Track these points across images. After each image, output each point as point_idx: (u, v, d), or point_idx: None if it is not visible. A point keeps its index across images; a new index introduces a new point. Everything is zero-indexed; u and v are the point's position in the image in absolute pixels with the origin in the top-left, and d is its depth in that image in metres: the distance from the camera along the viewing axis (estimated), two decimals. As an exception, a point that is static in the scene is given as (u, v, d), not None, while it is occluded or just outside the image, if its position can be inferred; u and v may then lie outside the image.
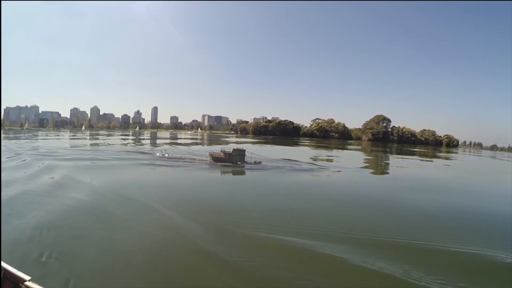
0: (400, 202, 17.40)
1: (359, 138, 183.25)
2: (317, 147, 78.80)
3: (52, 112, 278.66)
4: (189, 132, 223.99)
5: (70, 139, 72.88)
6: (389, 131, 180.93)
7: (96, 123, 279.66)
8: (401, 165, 44.05)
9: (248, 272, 7.59)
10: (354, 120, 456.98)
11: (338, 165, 36.92)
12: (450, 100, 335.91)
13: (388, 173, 35.35)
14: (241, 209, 13.89)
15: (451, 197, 19.90)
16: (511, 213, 16.10)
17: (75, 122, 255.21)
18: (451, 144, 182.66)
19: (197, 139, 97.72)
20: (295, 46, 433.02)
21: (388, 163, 47.60)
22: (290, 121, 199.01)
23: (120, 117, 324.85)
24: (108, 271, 7.48)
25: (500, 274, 8.48)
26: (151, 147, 52.51)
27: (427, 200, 18.10)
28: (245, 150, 30.68)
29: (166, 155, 34.28)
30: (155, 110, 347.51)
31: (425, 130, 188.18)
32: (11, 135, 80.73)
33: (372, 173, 33.10)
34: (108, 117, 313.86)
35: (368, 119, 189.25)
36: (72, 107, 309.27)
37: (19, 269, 2.74)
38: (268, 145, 71.36)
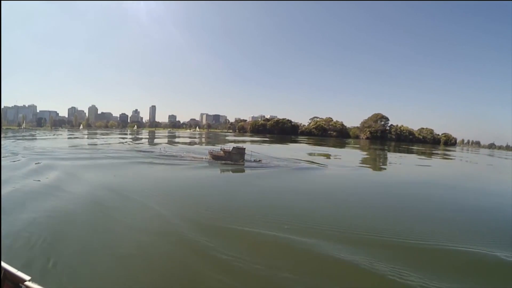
0: (398, 200, 17.52)
1: (357, 137, 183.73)
2: (316, 145, 78.80)
3: (50, 112, 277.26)
4: (188, 131, 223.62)
5: (68, 138, 72.49)
6: (387, 130, 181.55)
7: (94, 122, 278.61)
8: (399, 162, 44.23)
9: (246, 270, 7.56)
10: (352, 118, 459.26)
11: (337, 163, 36.95)
12: (448, 99, 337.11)
13: (385, 170, 35.44)
14: (240, 207, 13.90)
15: (453, 194, 20.00)
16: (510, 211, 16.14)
17: (73, 121, 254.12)
18: (449, 142, 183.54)
19: (195, 137, 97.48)
20: (293, 45, 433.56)
21: (386, 161, 47.76)
22: (288, 120, 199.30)
23: (118, 116, 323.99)
24: (103, 269, 7.44)
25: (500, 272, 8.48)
26: (149, 145, 52.38)
27: (426, 197, 18.17)
28: (245, 148, 30.64)
29: (165, 153, 34.19)
30: (153, 109, 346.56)
31: (423, 128, 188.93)
32: (10, 135, 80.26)
33: (370, 171, 33.20)
34: (106, 116, 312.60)
35: (366, 118, 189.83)
36: (70, 106, 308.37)
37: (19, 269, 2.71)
38: (266, 144, 71.27)
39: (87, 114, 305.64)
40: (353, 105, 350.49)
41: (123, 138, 76.91)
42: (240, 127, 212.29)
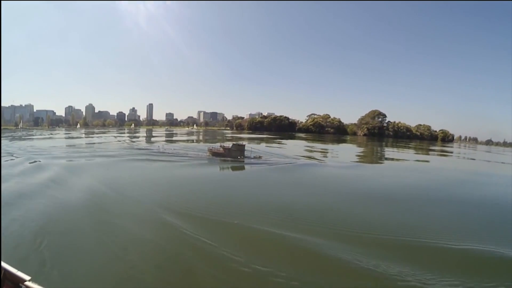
0: (396, 197, 17.57)
1: (354, 133, 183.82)
2: (314, 142, 78.91)
3: (47, 111, 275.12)
4: (186, 128, 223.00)
5: (66, 138, 72.19)
6: (384, 126, 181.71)
7: (91, 121, 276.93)
8: (396, 157, 44.47)
9: (245, 268, 7.60)
10: (349, 115, 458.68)
11: (335, 159, 37.13)
12: (445, 96, 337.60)
13: (382, 165, 35.64)
14: (237, 203, 14.03)
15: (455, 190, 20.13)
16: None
17: (70, 121, 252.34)
18: (446, 138, 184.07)
19: (193, 135, 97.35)
20: (290, 43, 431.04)
21: (383, 157, 47.90)
22: (285, 117, 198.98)
23: (115, 114, 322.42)
24: (101, 266, 7.59)
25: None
26: (147, 143, 52.33)
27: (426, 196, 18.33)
28: (244, 145, 30.77)
29: (163, 151, 34.21)
30: (150, 107, 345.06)
31: (420, 125, 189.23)
32: (8, 135, 79.76)
33: (367, 167, 33.35)
34: (103, 114, 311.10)
35: (363, 114, 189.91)
36: (67, 105, 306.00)
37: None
38: (264, 143, 71.27)
39: (84, 113, 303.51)
40: (351, 102, 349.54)
41: (120, 136, 76.69)
42: (237, 125, 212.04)
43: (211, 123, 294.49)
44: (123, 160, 27.00)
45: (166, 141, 61.76)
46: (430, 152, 67.14)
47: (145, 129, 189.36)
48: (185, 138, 76.66)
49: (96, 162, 25.47)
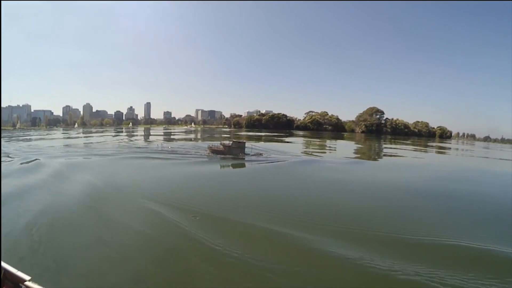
0: (392, 194, 17.67)
1: (352, 130, 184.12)
2: (312, 139, 79.07)
3: (44, 111, 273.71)
4: (184, 127, 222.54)
5: (64, 138, 71.95)
6: (382, 123, 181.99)
7: (89, 120, 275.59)
8: (393, 153, 44.64)
9: (244, 267, 7.60)
10: (347, 112, 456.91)
11: (334, 155, 37.23)
12: (443, 93, 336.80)
13: (380, 162, 35.80)
14: (239, 200, 14.10)
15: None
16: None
17: (67, 120, 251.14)
18: (444, 135, 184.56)
19: (191, 133, 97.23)
20: (288, 41, 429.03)
21: (381, 153, 48.14)
22: (283, 114, 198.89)
23: (113, 113, 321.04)
24: (100, 262, 7.62)
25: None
26: (145, 142, 52.25)
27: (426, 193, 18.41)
28: (245, 142, 30.78)
29: (161, 149, 34.18)
30: (148, 106, 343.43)
31: (418, 121, 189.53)
32: (5, 135, 79.39)
33: (366, 164, 33.52)
34: (101, 114, 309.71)
35: (361, 111, 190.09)
36: (65, 105, 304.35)
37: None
38: (262, 142, 71.31)
39: (81, 113, 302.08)
40: (349, 99, 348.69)
41: (118, 135, 76.53)
42: (235, 122, 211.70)
43: (209, 121, 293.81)
44: (121, 158, 26.97)
45: (165, 139, 61.67)
46: (428, 149, 67.39)
47: (143, 128, 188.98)
48: (183, 136, 76.51)
49: (95, 161, 25.41)
